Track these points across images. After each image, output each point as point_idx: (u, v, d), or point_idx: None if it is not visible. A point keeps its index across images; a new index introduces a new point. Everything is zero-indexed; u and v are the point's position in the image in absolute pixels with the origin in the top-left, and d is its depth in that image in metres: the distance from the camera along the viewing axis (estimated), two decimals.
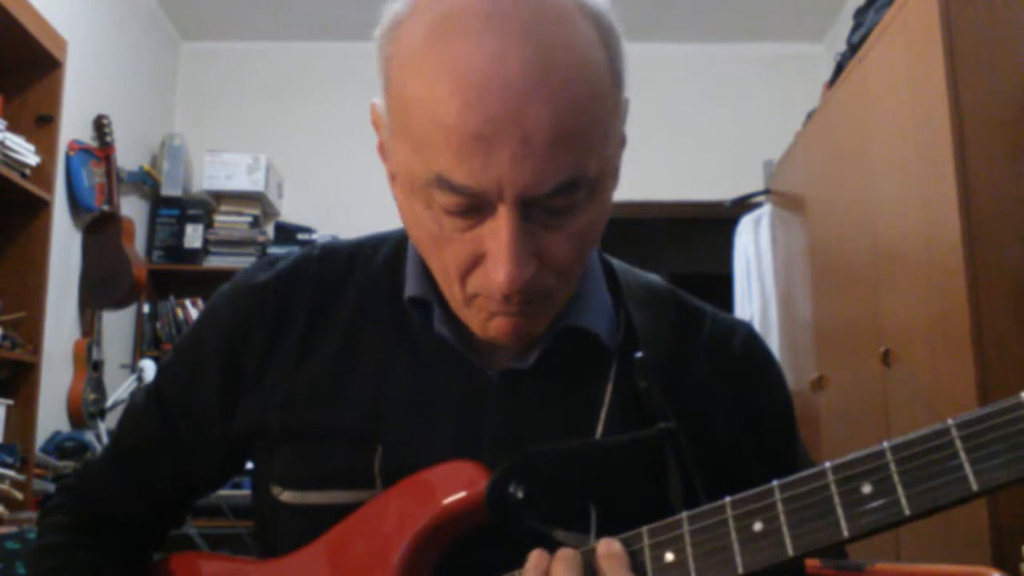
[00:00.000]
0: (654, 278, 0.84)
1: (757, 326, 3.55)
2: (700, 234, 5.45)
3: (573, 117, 0.61)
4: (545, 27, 0.61)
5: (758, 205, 3.77)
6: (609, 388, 0.74)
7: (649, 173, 4.21)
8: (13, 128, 2.81)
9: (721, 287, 3.87)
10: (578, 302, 0.75)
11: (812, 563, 1.23)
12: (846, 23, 3.07)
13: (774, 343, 3.47)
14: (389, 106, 0.67)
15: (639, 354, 0.72)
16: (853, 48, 2.78)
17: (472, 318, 0.70)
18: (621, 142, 0.72)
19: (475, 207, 0.63)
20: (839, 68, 2.94)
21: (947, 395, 2.00)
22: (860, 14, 2.79)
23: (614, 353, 0.75)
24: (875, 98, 2.53)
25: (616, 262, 0.83)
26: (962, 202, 1.97)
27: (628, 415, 0.73)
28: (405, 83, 0.64)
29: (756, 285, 3.63)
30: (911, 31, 2.24)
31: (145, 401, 0.85)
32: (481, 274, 0.65)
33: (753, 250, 3.68)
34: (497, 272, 0.63)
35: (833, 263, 2.95)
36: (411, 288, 0.75)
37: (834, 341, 2.94)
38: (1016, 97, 1.98)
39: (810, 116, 3.31)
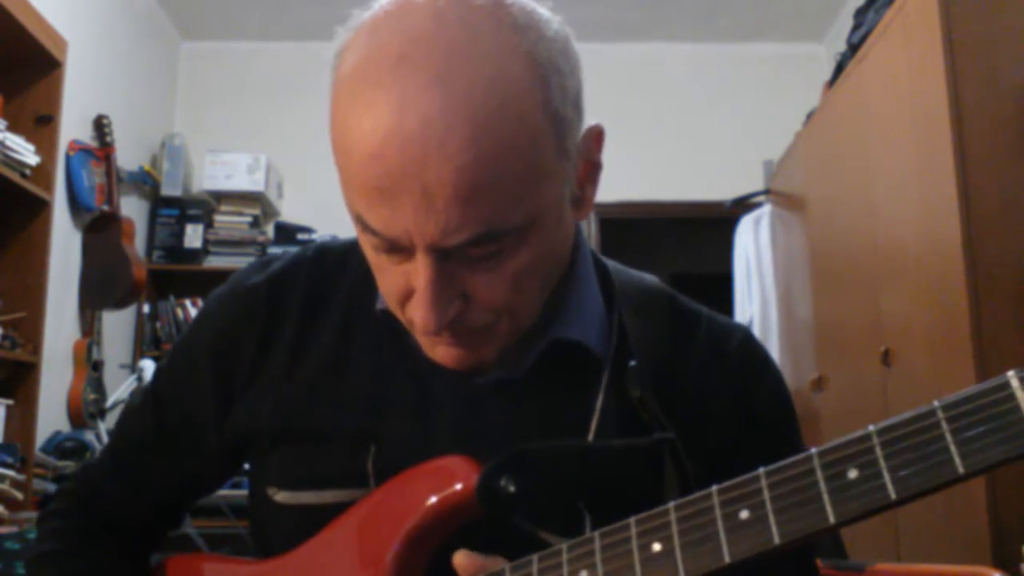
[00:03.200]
0: (650, 280, 0.83)
1: (757, 326, 3.55)
2: (700, 234, 5.45)
3: (482, 172, 0.58)
4: (458, 76, 0.58)
5: (758, 205, 3.77)
6: (600, 397, 0.74)
7: (649, 173, 4.21)
8: (13, 128, 2.80)
9: (721, 287, 3.87)
10: (567, 312, 0.74)
11: None
12: (846, 23, 3.07)
13: (774, 343, 3.47)
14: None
15: (632, 362, 0.71)
16: (853, 48, 2.78)
17: (419, 340, 0.70)
18: (589, 171, 0.70)
19: (395, 248, 0.63)
20: (839, 68, 2.94)
21: (947, 395, 1.99)
22: (860, 14, 2.80)
23: (606, 362, 0.75)
24: (875, 98, 2.53)
25: (611, 264, 0.82)
26: (962, 202, 1.97)
27: (621, 424, 0.72)
28: (333, 116, 0.64)
29: (756, 285, 3.63)
30: (911, 31, 2.24)
31: (141, 403, 0.86)
32: (412, 307, 0.66)
33: (753, 250, 3.68)
34: (417, 313, 0.64)
35: (833, 263, 2.95)
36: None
37: (834, 341, 2.94)
38: (1016, 97, 1.98)
39: (810, 116, 3.31)
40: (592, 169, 0.71)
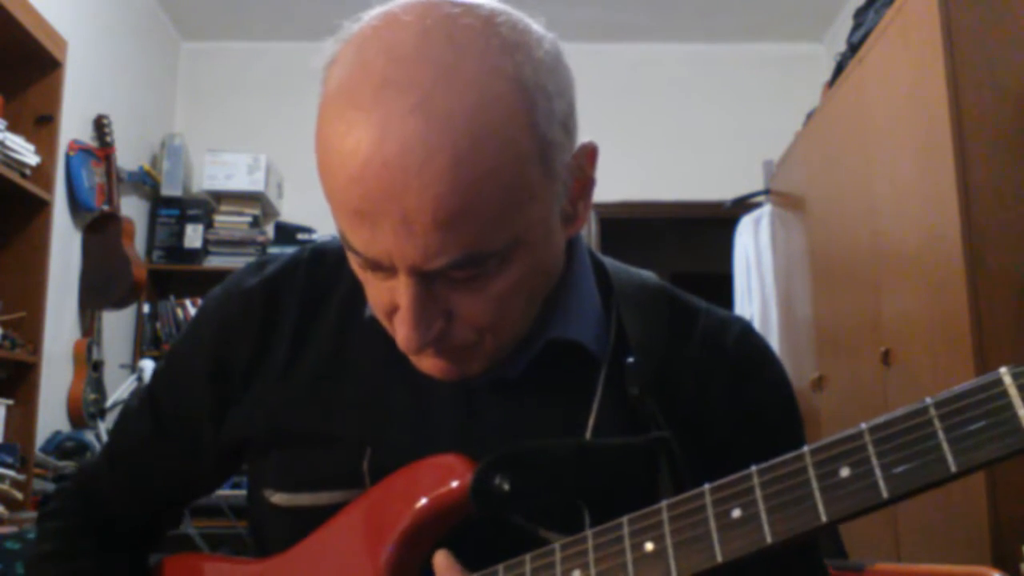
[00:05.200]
0: (647, 276, 0.83)
1: (757, 326, 3.54)
2: (700, 234, 5.45)
3: (462, 198, 0.57)
4: (440, 100, 0.57)
5: (758, 205, 3.77)
6: (598, 396, 0.73)
7: (649, 173, 4.21)
8: (13, 128, 2.80)
9: (721, 287, 3.87)
10: (564, 312, 0.74)
11: None
12: (846, 23, 3.07)
13: (774, 343, 3.47)
14: None
15: (630, 360, 0.71)
16: (853, 48, 2.78)
17: (406, 352, 0.69)
18: (582, 188, 0.69)
19: (378, 267, 0.63)
20: (839, 68, 2.94)
21: None
22: (860, 14, 2.80)
23: (603, 360, 0.74)
24: (875, 98, 2.53)
25: (608, 261, 0.82)
26: (962, 202, 1.97)
27: (619, 422, 0.72)
28: (318, 132, 0.63)
29: (756, 285, 3.63)
30: (911, 31, 2.24)
31: (139, 404, 0.86)
32: (395, 324, 0.65)
33: (753, 250, 3.68)
34: (400, 331, 0.63)
35: (833, 263, 2.95)
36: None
37: (834, 341, 2.94)
38: (1016, 97, 1.98)
39: (810, 116, 3.31)
40: (585, 186, 0.70)
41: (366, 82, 0.59)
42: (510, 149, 0.59)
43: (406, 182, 0.57)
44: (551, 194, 0.65)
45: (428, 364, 0.69)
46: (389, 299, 0.65)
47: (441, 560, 0.65)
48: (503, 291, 0.64)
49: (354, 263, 0.67)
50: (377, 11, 0.64)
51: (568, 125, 0.65)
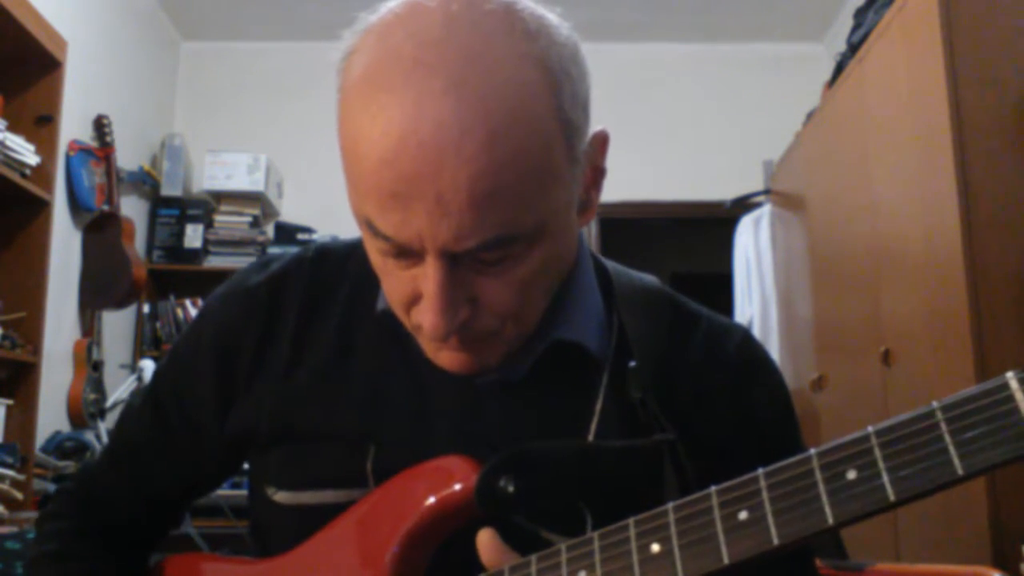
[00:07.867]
0: (650, 280, 0.83)
1: (757, 326, 3.55)
2: (700, 234, 5.45)
3: (496, 177, 0.58)
4: (472, 81, 0.58)
5: (758, 205, 3.77)
6: (600, 398, 0.74)
7: (649, 173, 4.21)
8: (13, 128, 2.80)
9: (721, 287, 3.87)
10: (567, 313, 0.74)
11: None
12: (846, 23, 3.07)
13: (774, 343, 3.47)
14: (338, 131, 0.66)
15: (632, 364, 0.71)
16: (853, 48, 2.78)
17: (423, 345, 0.70)
18: (595, 176, 0.70)
19: (405, 252, 0.63)
20: (839, 68, 2.94)
21: (947, 395, 1.99)
22: (860, 14, 2.80)
23: (605, 363, 0.75)
24: (875, 98, 2.53)
25: (610, 264, 0.82)
26: (962, 202, 1.97)
27: (621, 425, 0.72)
28: (342, 120, 0.64)
29: (756, 285, 3.63)
30: (911, 31, 2.24)
31: (141, 403, 0.86)
32: (419, 311, 0.65)
33: (753, 250, 3.68)
34: (426, 318, 0.63)
35: (833, 263, 2.95)
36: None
37: (834, 341, 2.94)
38: (1016, 97, 1.98)
39: (810, 116, 3.31)
40: (597, 174, 0.71)
41: (395, 66, 0.60)
42: (540, 130, 0.60)
43: (442, 161, 0.58)
44: (572, 178, 0.66)
45: (446, 358, 0.69)
46: (412, 289, 0.65)
47: (486, 537, 0.64)
48: (527, 276, 0.65)
49: (375, 253, 0.67)
50: (396, 1, 0.65)
51: (587, 110, 0.67)
